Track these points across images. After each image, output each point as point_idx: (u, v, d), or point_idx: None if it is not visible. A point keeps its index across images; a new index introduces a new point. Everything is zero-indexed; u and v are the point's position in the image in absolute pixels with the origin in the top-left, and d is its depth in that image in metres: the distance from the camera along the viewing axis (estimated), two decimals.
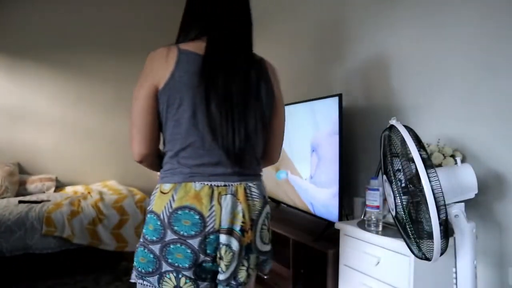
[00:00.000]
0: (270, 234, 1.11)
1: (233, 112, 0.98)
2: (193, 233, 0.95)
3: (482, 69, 1.50)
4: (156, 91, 0.99)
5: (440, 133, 1.66)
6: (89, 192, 3.23)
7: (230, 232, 0.98)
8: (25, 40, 3.66)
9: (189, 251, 0.96)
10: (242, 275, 1.03)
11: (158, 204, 0.99)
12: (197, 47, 1.01)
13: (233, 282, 1.03)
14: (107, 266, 2.82)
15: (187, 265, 0.96)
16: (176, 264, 0.97)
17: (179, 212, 0.96)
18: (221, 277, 1.01)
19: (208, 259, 0.99)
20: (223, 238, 0.97)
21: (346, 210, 2.16)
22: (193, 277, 0.98)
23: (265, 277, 2.21)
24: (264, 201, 1.07)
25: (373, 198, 1.55)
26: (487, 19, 1.48)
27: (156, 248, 0.98)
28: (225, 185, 0.99)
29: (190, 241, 0.96)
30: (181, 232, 0.95)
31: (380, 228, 1.52)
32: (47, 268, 2.64)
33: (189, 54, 0.99)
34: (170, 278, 0.97)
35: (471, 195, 1.26)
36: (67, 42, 3.83)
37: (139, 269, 1.00)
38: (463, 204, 1.22)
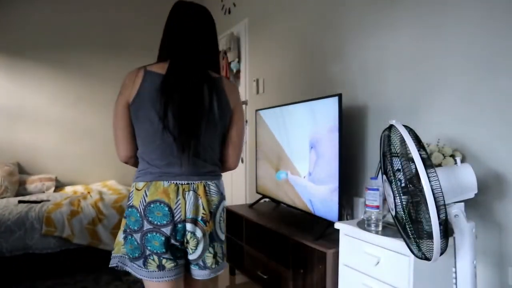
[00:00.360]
0: (225, 225, 1.31)
1: (187, 121, 1.17)
2: (164, 222, 1.16)
3: (482, 69, 1.51)
4: (128, 105, 1.20)
5: (440, 133, 1.66)
6: (88, 192, 3.23)
7: (194, 221, 1.19)
8: (25, 40, 3.67)
9: (163, 238, 1.16)
10: (209, 261, 1.24)
11: (136, 199, 1.18)
12: (161, 67, 1.21)
13: (201, 263, 1.24)
14: (107, 266, 2.80)
15: (164, 250, 1.17)
16: (155, 250, 1.17)
17: (152, 205, 1.16)
18: (190, 257, 1.23)
19: (178, 244, 1.20)
20: (189, 226, 1.18)
21: (346, 210, 2.16)
22: (172, 257, 1.19)
23: (265, 277, 2.21)
24: (221, 197, 1.27)
25: (373, 198, 1.54)
26: (487, 19, 1.48)
27: (137, 236, 1.17)
28: (188, 183, 1.19)
29: (163, 229, 1.16)
30: (155, 222, 1.16)
31: (380, 228, 1.52)
32: (47, 268, 2.64)
33: (153, 74, 1.20)
34: (153, 260, 1.18)
35: (471, 195, 1.26)
36: (67, 42, 3.83)
37: (129, 255, 1.20)
38: (462, 204, 1.22)
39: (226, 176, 3.81)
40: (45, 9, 3.74)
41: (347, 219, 2.13)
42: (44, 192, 3.44)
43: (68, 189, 3.52)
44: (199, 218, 1.19)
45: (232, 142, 1.32)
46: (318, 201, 2.01)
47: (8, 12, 3.60)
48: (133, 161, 1.28)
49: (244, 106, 3.47)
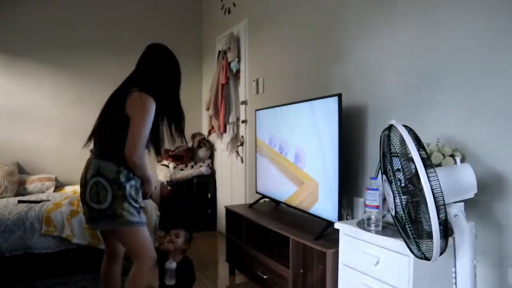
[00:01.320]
0: (103, 198, 1.61)
1: (99, 122, 1.77)
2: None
3: (482, 69, 1.51)
4: None
5: (440, 133, 1.66)
6: None
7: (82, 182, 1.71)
8: (25, 40, 3.66)
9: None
10: (86, 214, 1.70)
11: None
12: None
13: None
14: None
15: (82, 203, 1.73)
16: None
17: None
18: None
19: None
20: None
21: (346, 210, 2.16)
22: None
23: (265, 277, 2.21)
24: (97, 173, 1.64)
25: (372, 198, 1.54)
26: (487, 19, 1.48)
27: None
28: (90, 159, 1.72)
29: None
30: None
31: (380, 228, 1.52)
32: (47, 268, 2.63)
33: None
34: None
35: (471, 194, 1.26)
36: (67, 42, 3.83)
37: None
38: (462, 203, 1.22)
39: (226, 176, 3.82)
40: (45, 9, 3.74)
41: (347, 219, 2.13)
42: (44, 192, 3.44)
43: (68, 189, 3.52)
44: (83, 182, 1.68)
45: (127, 141, 1.65)
46: (318, 201, 2.01)
47: (8, 12, 3.60)
48: None
49: (243, 106, 3.47)
